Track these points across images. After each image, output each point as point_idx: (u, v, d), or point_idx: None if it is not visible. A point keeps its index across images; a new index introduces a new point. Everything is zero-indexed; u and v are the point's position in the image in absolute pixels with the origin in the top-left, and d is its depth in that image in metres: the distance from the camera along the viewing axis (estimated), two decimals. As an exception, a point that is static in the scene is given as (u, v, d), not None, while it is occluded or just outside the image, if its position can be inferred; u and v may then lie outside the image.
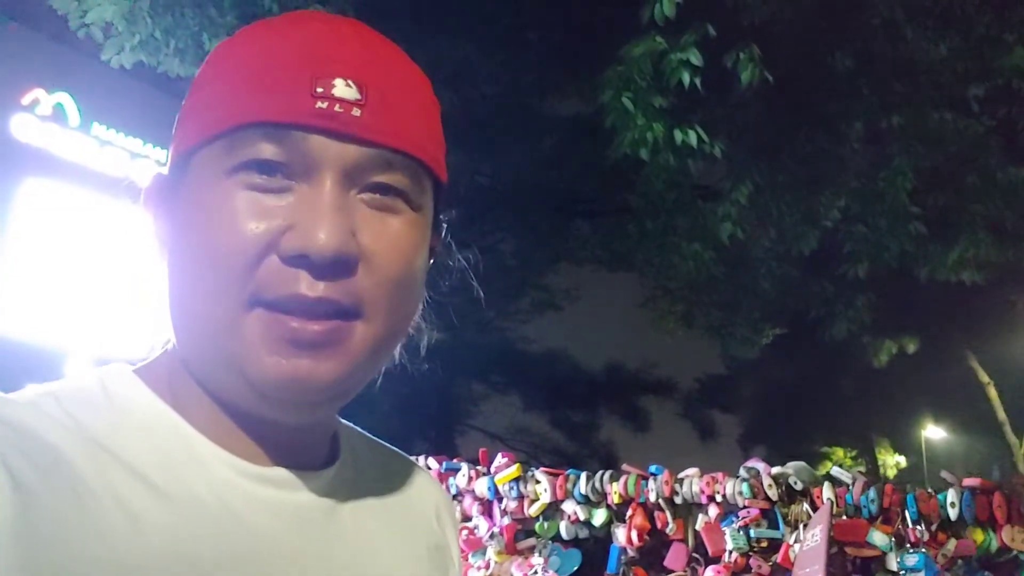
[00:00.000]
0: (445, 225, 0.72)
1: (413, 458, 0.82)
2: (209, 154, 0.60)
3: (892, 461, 19.10)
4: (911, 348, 12.64)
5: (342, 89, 0.59)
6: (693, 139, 5.73)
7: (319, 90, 0.59)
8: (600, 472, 3.74)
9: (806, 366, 14.61)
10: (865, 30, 6.85)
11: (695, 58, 5.60)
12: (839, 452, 19.17)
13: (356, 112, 0.59)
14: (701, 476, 3.51)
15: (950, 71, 6.93)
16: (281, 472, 0.63)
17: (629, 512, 3.62)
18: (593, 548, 3.81)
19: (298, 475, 0.64)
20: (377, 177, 0.61)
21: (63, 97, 6.11)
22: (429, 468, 4.26)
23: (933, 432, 17.74)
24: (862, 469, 15.80)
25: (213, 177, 0.60)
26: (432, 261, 0.70)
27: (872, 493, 3.25)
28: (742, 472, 3.46)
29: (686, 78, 5.53)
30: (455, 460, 4.29)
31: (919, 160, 6.96)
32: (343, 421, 0.75)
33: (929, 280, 7.72)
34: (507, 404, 12.46)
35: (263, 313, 0.58)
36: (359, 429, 0.78)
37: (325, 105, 0.58)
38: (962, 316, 11.25)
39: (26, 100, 5.58)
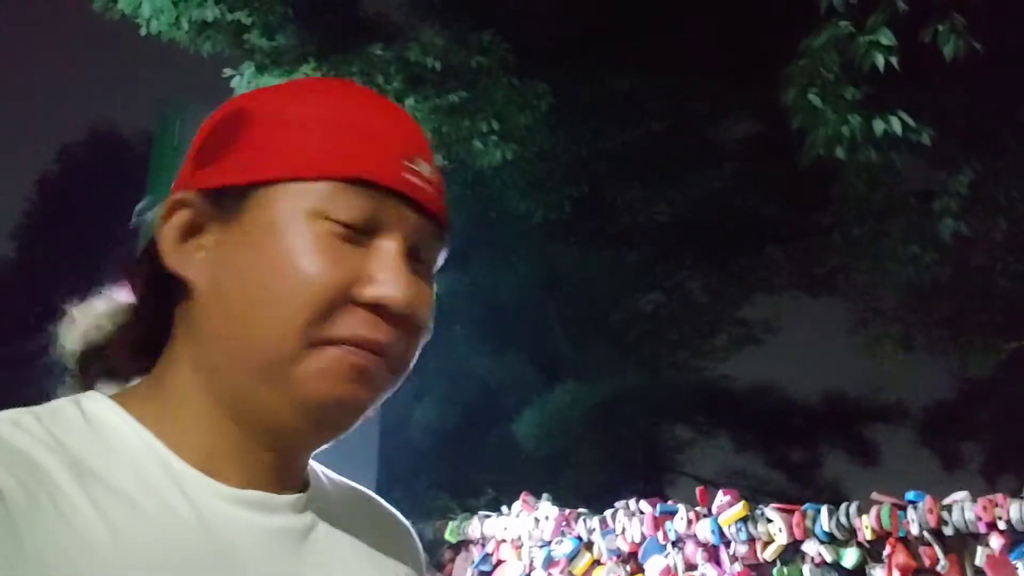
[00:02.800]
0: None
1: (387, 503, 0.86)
2: (296, 192, 0.65)
3: None
4: None
5: (422, 165, 0.68)
6: (897, 126, 5.12)
7: (406, 163, 0.67)
8: (845, 504, 3.21)
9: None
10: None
11: (887, 38, 5.04)
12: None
13: (428, 189, 0.69)
14: (975, 500, 2.92)
15: None
16: (257, 494, 0.66)
17: (887, 550, 3.06)
18: (847, 594, 3.27)
19: (272, 498, 0.67)
20: (425, 246, 0.69)
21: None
22: (641, 512, 3.87)
23: None
24: None
25: (294, 215, 0.65)
26: None
27: None
28: (1028, 491, 2.84)
29: (880, 60, 4.98)
30: (670, 502, 3.87)
31: None
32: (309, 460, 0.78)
33: None
34: (716, 447, 11.74)
35: (332, 348, 0.64)
36: (324, 468, 0.80)
37: (412, 178, 0.67)
38: None
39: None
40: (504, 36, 6.80)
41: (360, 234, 0.65)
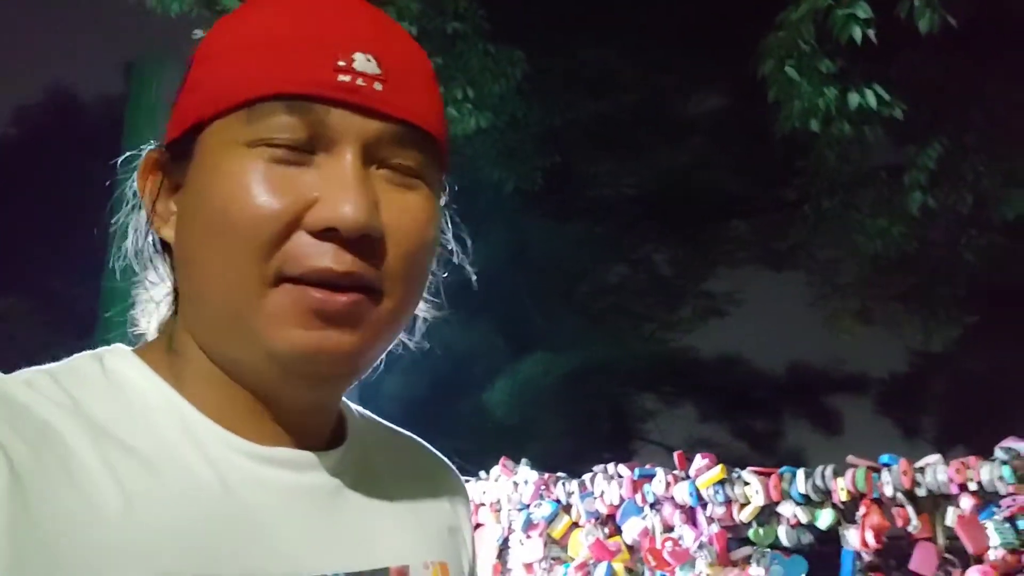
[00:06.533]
0: (444, 202, 0.72)
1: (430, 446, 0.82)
2: (225, 125, 0.60)
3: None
4: None
5: (363, 63, 0.59)
6: (872, 100, 5.17)
7: (341, 63, 0.59)
8: (821, 467, 3.29)
9: (1007, 352, 13.22)
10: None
11: (863, 11, 5.08)
12: (1050, 448, 17.29)
13: (377, 86, 0.59)
14: (947, 463, 3.00)
15: None
16: (285, 452, 0.63)
17: (861, 510, 3.15)
18: (820, 554, 3.35)
19: (302, 455, 0.63)
20: (395, 152, 0.61)
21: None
22: (620, 476, 3.92)
23: None
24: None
25: (231, 148, 0.59)
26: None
27: None
28: (999, 453, 2.93)
29: (858, 33, 5.01)
30: (648, 466, 3.93)
31: None
32: (350, 404, 0.74)
33: None
34: (681, 416, 11.93)
35: (289, 287, 0.58)
36: (367, 412, 0.77)
37: (348, 78, 0.59)
38: None
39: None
40: (479, 2, 6.73)
41: (308, 153, 0.59)
